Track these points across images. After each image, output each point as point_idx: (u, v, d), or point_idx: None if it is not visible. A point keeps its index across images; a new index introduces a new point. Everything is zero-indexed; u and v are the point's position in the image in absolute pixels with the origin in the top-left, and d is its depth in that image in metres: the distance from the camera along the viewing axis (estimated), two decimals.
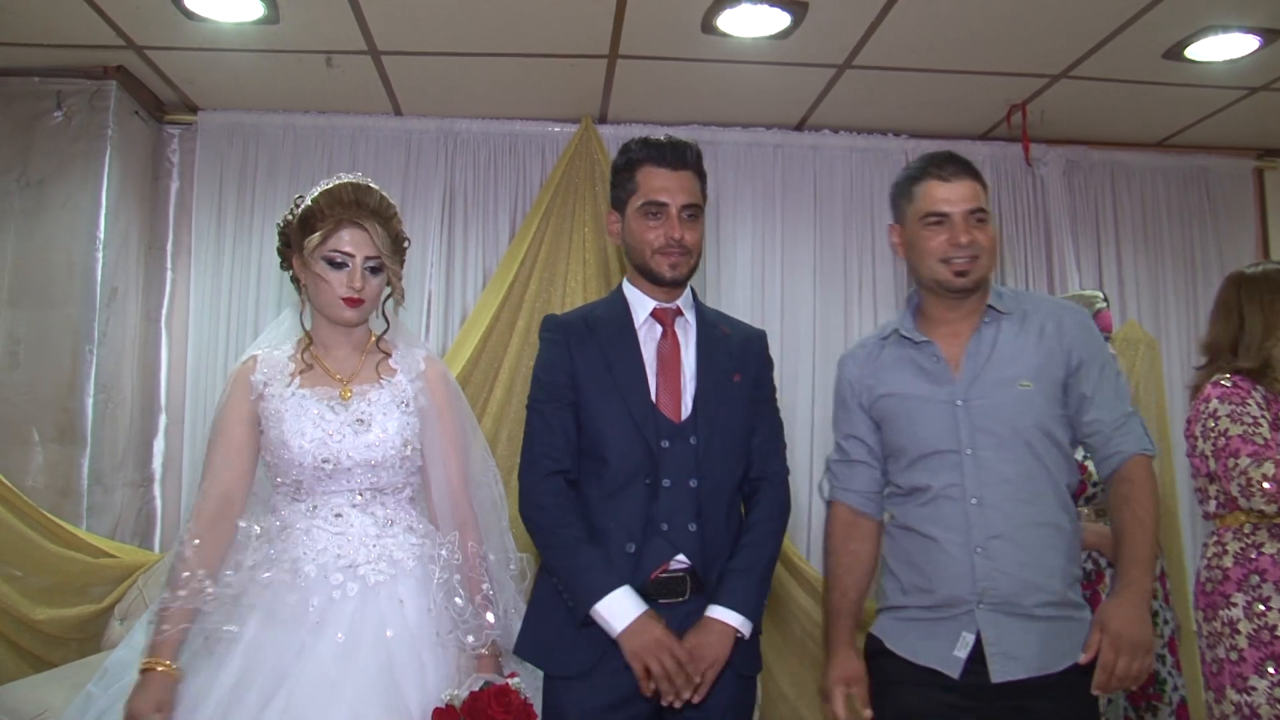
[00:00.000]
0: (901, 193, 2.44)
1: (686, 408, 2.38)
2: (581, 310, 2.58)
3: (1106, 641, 2.14)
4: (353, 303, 2.37)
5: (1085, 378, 2.33)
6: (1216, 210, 5.18)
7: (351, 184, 2.39)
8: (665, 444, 2.33)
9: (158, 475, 4.56)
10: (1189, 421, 3.07)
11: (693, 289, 2.53)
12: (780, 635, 4.31)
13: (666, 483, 2.32)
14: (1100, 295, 3.39)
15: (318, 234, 2.34)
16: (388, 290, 2.49)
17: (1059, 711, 2.19)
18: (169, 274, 4.64)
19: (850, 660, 2.38)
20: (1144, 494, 2.28)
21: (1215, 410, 2.95)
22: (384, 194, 2.44)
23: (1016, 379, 2.29)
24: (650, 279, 2.44)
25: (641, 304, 2.47)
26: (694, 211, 2.42)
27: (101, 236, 4.15)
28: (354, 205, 2.37)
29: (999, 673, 2.18)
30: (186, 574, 2.24)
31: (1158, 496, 2.33)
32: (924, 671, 2.26)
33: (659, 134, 2.48)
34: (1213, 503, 3.02)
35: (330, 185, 2.39)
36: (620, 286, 2.55)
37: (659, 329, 2.46)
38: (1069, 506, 2.33)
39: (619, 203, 2.48)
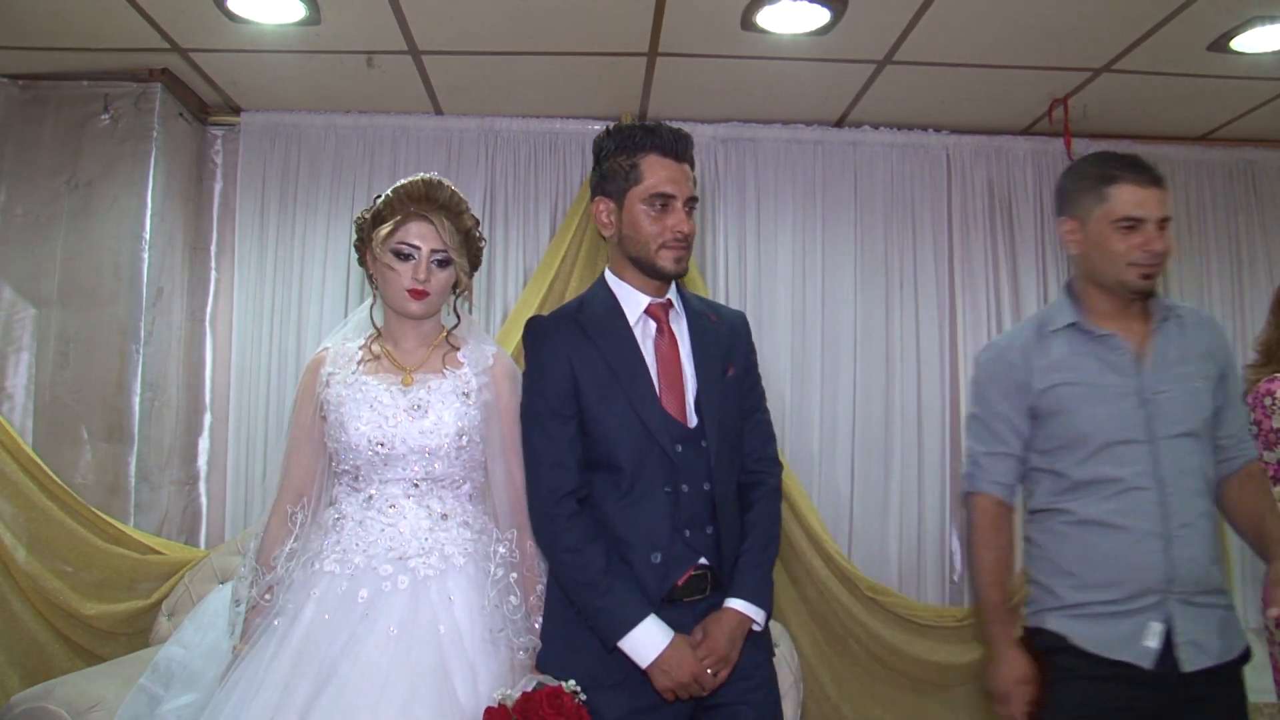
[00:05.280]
0: (1089, 190, 2.45)
1: (690, 408, 2.35)
2: (566, 309, 2.48)
3: None
4: (417, 294, 2.41)
5: (1226, 386, 2.48)
6: (1263, 204, 5.09)
7: (424, 179, 2.45)
8: (679, 449, 2.30)
9: (203, 473, 4.61)
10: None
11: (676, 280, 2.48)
12: (823, 634, 4.30)
13: (685, 488, 2.29)
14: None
15: (387, 225, 2.41)
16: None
17: (1223, 699, 2.31)
18: (213, 274, 4.69)
19: (1021, 660, 2.40)
20: (1267, 489, 2.55)
21: (1275, 391, 2.96)
22: (455, 190, 2.49)
23: (1193, 375, 2.40)
24: (651, 273, 2.38)
25: (632, 299, 2.41)
26: (693, 205, 2.39)
27: (147, 237, 4.20)
28: (424, 200, 2.43)
29: (1189, 662, 2.26)
30: (265, 570, 2.38)
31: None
32: (1109, 665, 2.29)
33: (688, 130, 2.44)
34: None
35: (404, 181, 2.45)
36: (603, 280, 2.46)
37: (654, 325, 2.41)
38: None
39: (615, 191, 2.38)
